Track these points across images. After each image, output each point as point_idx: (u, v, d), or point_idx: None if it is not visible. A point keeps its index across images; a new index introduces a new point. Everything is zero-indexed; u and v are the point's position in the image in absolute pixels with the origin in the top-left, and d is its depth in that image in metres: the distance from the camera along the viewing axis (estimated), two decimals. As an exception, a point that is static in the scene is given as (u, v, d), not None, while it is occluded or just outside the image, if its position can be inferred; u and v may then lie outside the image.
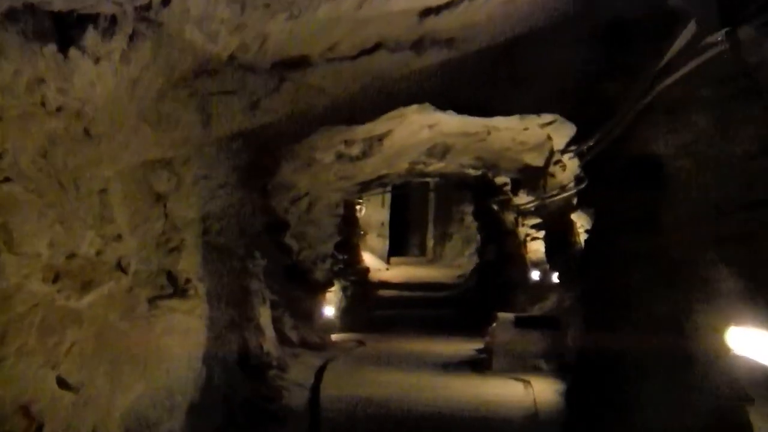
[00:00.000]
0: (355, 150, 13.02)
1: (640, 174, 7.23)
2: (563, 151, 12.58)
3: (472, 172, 18.44)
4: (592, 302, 9.77)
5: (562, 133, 12.10)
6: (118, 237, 5.82)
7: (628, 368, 8.03)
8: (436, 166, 17.46)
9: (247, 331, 10.18)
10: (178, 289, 7.05)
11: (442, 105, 9.39)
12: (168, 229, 6.85)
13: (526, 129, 12.74)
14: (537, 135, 13.11)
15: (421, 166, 17.47)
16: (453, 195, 29.01)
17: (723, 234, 5.79)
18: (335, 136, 11.85)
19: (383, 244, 29.47)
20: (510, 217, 19.12)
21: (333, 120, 8.66)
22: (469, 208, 26.19)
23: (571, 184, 12.50)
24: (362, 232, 26.43)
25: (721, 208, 5.88)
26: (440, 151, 15.64)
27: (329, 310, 18.58)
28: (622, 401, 8.04)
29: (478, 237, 24.74)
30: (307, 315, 16.32)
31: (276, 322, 14.22)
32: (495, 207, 19.88)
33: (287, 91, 6.63)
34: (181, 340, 7.15)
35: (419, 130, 13.29)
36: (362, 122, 9.88)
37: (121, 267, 5.98)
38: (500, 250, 21.12)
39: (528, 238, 18.22)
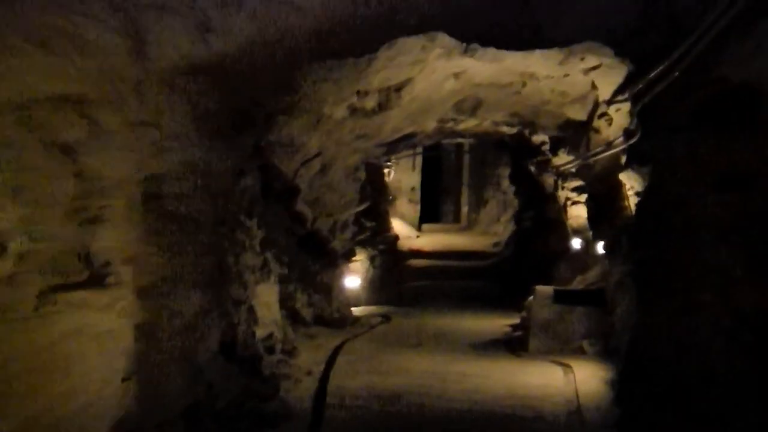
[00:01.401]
0: (371, 103, 11.35)
1: (728, 112, 5.47)
2: (610, 102, 10.89)
3: (507, 130, 16.73)
4: (650, 280, 8.12)
5: (609, 79, 10.41)
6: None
7: (702, 373, 6.44)
8: (468, 123, 15.79)
9: (235, 317, 8.60)
10: (93, 275, 5.43)
11: (460, 34, 7.68)
12: (82, 194, 5.20)
13: (566, 76, 11.01)
14: (580, 84, 11.38)
15: (450, 124, 15.79)
16: (489, 157, 27.30)
17: None
18: (345, 86, 10.25)
19: (414, 211, 27.81)
20: (549, 179, 17.44)
21: (321, 52, 6.96)
22: (505, 171, 24.53)
23: (619, 140, 10.78)
24: (391, 198, 24.92)
25: None
26: (470, 105, 13.93)
27: (354, 282, 17.27)
28: (698, 413, 6.45)
29: (516, 202, 23.13)
30: (325, 289, 14.81)
31: (287, 299, 12.77)
32: (533, 169, 18.21)
33: (249, 7, 5.00)
34: (94, 345, 5.52)
35: (443, 79, 11.62)
36: (359, 54, 8.18)
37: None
38: (539, 216, 19.70)
39: (568, 203, 16.52)
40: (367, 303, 19.79)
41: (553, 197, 17.59)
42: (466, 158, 29.41)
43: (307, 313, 13.49)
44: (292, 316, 13.03)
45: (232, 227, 8.45)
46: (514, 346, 13.23)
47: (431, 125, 15.59)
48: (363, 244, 20.64)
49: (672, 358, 7.30)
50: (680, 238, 6.95)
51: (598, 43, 7.92)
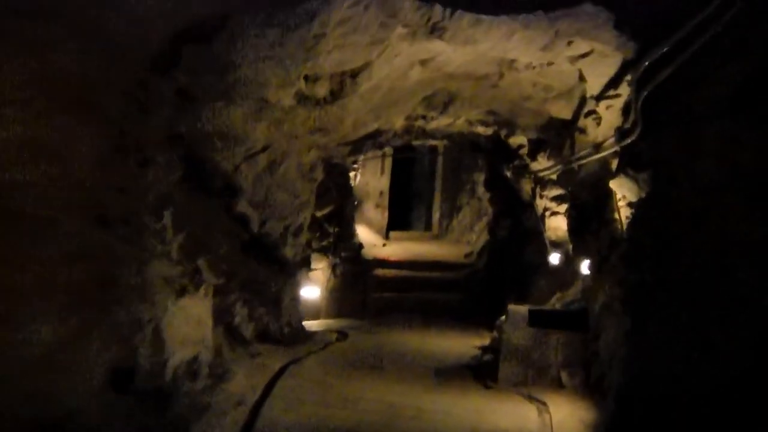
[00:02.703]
0: (322, 90, 9.78)
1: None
2: (600, 97, 9.41)
3: (482, 130, 15.20)
4: (649, 308, 6.62)
5: (601, 70, 8.93)
6: None
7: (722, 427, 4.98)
8: (440, 122, 14.26)
9: (135, 340, 6.95)
10: None
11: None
12: None
13: (551, 65, 9.50)
14: (566, 75, 9.87)
15: (420, 122, 14.23)
16: (464, 161, 25.72)
17: None
18: (291, 67, 8.72)
19: (382, 217, 26.17)
20: (527, 186, 15.98)
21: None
22: (481, 177, 23.08)
23: (610, 141, 9.29)
24: (357, 202, 23.38)
25: None
26: (442, 100, 12.37)
27: (314, 293, 15.73)
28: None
29: (491, 210, 21.58)
30: (274, 301, 13.13)
31: (223, 313, 11.09)
32: (509, 174, 16.73)
33: None
34: None
35: (409, 67, 10.11)
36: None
37: None
38: (515, 225, 18.25)
39: (547, 213, 15.06)
40: (328, 315, 18.46)
41: (531, 206, 16.12)
42: (440, 162, 27.83)
43: (248, 329, 11.78)
44: (230, 332, 11.38)
45: (135, 229, 6.82)
46: (482, 373, 11.63)
47: (399, 122, 14.06)
48: (325, 251, 19.34)
49: (680, 406, 5.83)
50: (695, 259, 5.43)
51: (596, 8, 6.37)
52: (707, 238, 5.27)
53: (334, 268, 19.53)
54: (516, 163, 15.95)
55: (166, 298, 7.78)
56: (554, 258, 14.68)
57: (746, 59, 4.74)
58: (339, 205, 19.49)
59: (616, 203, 9.45)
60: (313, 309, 17.13)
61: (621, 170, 8.68)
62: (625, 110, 8.83)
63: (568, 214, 13.41)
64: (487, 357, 12.72)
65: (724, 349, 5.09)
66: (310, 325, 15.75)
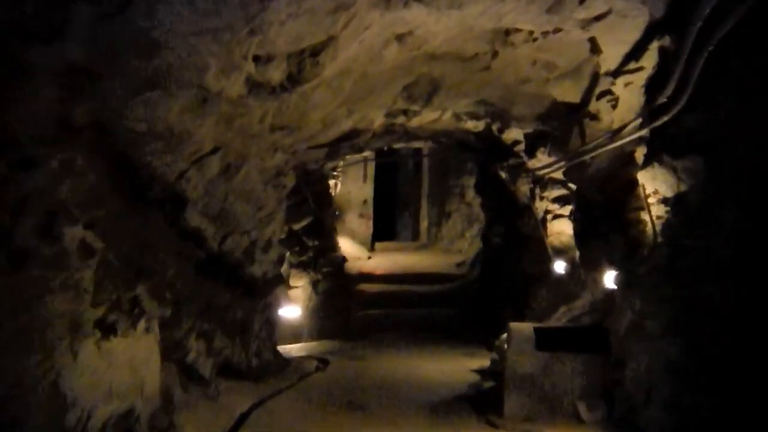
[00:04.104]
0: (277, 73, 7.94)
1: None
2: (618, 72, 7.72)
3: (472, 126, 13.53)
4: (721, 333, 4.91)
5: (620, 36, 7.27)
6: None
7: None
8: (423, 117, 12.59)
9: (16, 405, 5.16)
10: None
11: None
12: None
13: (557, 31, 7.77)
14: (573, 47, 8.14)
15: (402, 119, 12.53)
16: (451, 164, 24.36)
17: None
18: (233, 43, 6.94)
19: (366, 227, 24.75)
20: (524, 187, 14.31)
21: None
22: (470, 181, 21.68)
23: (635, 125, 7.60)
24: (338, 213, 21.81)
25: None
26: (425, 89, 10.61)
27: (294, 312, 14.20)
28: None
29: (483, 216, 20.14)
30: (240, 328, 11.37)
31: (174, 348, 9.32)
32: (504, 175, 15.04)
33: None
34: None
35: (383, 44, 8.34)
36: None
37: None
38: (510, 232, 16.53)
39: (549, 217, 13.44)
40: (310, 337, 17.03)
41: (529, 210, 14.45)
42: (425, 165, 26.35)
43: (206, 366, 9.93)
44: (185, 370, 9.57)
45: (7, 255, 5.06)
46: (484, 406, 9.90)
47: (378, 120, 12.34)
48: (305, 266, 17.85)
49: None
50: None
51: None
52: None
53: (315, 285, 18.17)
54: (511, 161, 14.31)
55: (73, 344, 5.96)
56: (559, 266, 12.98)
57: None
58: (318, 216, 17.94)
59: (644, 201, 7.73)
60: (295, 330, 15.98)
61: (653, 158, 7.00)
62: (650, 87, 7.16)
63: (574, 217, 11.78)
64: (488, 384, 11.08)
65: None
66: (290, 348, 14.56)
